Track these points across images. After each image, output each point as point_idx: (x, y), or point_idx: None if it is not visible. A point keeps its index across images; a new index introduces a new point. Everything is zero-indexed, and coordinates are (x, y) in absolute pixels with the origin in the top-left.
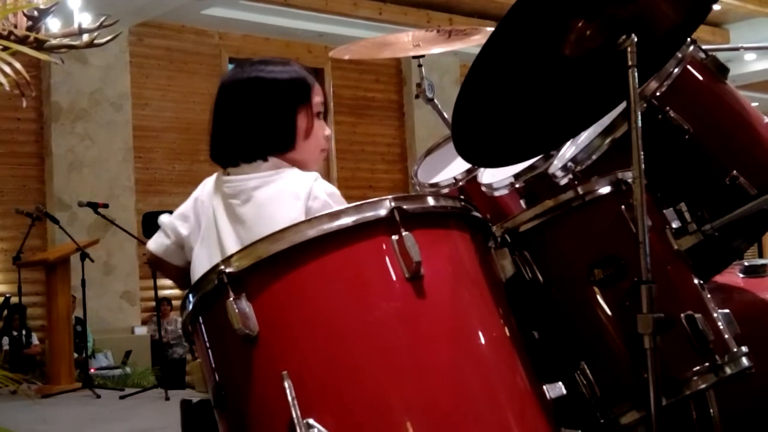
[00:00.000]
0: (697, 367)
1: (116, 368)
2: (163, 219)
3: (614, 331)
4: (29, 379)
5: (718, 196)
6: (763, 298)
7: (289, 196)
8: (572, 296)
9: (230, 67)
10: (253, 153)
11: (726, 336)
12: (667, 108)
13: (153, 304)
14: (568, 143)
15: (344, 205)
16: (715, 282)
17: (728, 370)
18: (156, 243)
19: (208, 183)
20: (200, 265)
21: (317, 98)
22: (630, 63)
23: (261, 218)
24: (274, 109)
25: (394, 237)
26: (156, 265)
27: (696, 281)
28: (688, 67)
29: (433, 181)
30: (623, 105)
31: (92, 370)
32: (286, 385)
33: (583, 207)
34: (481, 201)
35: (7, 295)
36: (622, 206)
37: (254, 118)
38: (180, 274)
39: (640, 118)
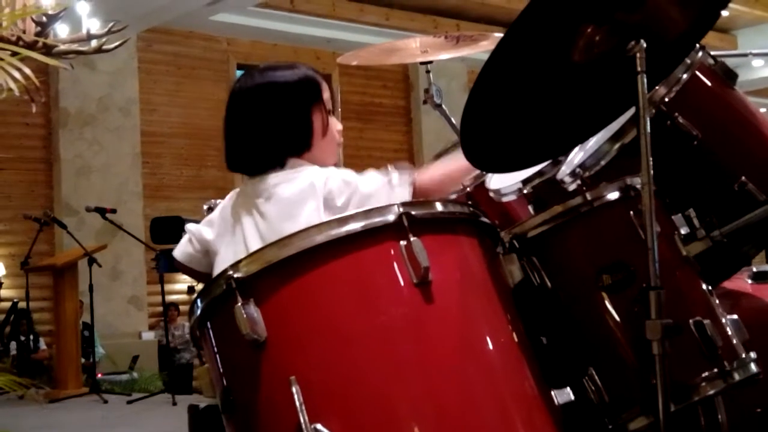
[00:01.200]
0: (706, 373)
1: (123, 373)
2: (190, 226)
3: (622, 337)
4: (37, 384)
5: (726, 202)
6: None
7: (308, 191)
8: (580, 302)
9: (238, 73)
10: (273, 158)
11: (734, 342)
12: (676, 114)
13: (160, 309)
14: (577, 149)
15: (358, 179)
16: (724, 288)
17: (737, 376)
18: (180, 251)
19: (235, 192)
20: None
21: (326, 94)
22: (639, 69)
23: (283, 215)
24: (290, 111)
25: (402, 242)
26: (182, 270)
27: (704, 287)
28: (697, 73)
29: None
30: (632, 111)
31: (99, 375)
32: (294, 390)
33: (592, 213)
34: (488, 207)
35: (15, 300)
36: (631, 212)
37: (271, 123)
38: (207, 279)
39: (649, 124)
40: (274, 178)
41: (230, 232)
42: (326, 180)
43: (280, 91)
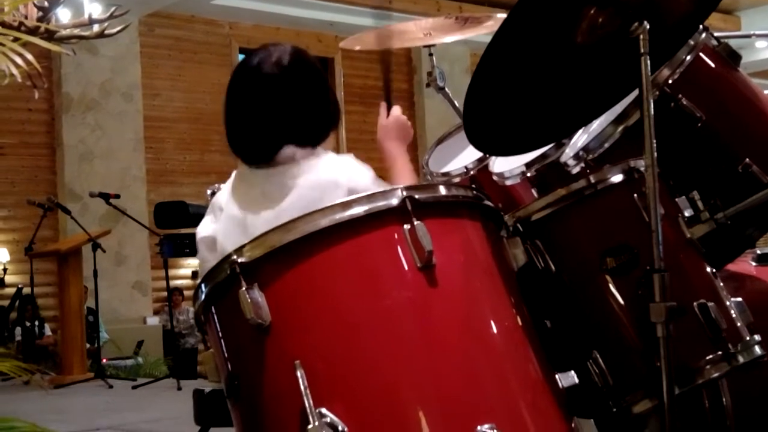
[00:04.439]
0: (710, 356)
1: (128, 358)
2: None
3: (627, 320)
4: (42, 370)
5: (730, 184)
6: None
7: (330, 188)
8: (584, 285)
9: (240, 57)
10: (312, 137)
11: (739, 324)
12: (680, 95)
13: (165, 294)
14: (580, 131)
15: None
16: (728, 270)
17: (741, 359)
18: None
19: (231, 184)
20: None
21: None
22: (642, 50)
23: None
24: (330, 94)
25: (406, 226)
26: None
27: (708, 270)
28: (701, 54)
29: (445, 170)
30: (635, 93)
31: (104, 361)
32: (299, 374)
33: (596, 196)
34: (492, 190)
35: (20, 286)
36: (635, 195)
37: (321, 103)
38: None
39: (652, 105)
40: (289, 170)
41: (239, 228)
42: (350, 176)
43: (322, 75)
